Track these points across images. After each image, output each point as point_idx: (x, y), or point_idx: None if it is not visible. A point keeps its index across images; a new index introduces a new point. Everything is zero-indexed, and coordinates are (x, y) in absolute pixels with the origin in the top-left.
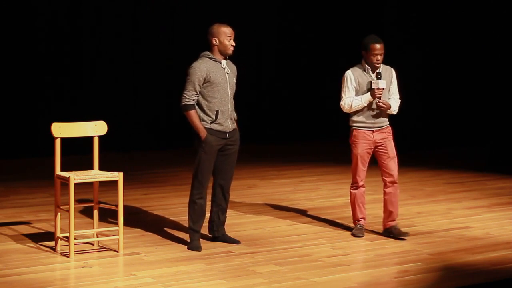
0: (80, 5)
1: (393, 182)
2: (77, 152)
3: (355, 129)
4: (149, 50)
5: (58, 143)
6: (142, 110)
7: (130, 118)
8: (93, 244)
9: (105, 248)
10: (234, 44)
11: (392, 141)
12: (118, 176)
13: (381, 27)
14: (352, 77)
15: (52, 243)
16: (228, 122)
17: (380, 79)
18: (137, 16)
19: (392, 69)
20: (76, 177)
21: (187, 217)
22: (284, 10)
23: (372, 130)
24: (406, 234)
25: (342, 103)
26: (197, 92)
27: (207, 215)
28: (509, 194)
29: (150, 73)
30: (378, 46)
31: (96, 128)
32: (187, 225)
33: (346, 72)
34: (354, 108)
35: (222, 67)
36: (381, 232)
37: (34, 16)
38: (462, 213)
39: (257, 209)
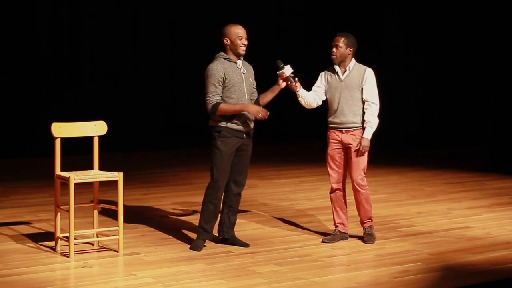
0: (80, 5)
1: (354, 189)
2: (77, 152)
3: (328, 129)
4: (149, 50)
5: (58, 143)
6: (142, 110)
7: (130, 118)
8: (93, 244)
9: (105, 248)
10: (245, 43)
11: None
12: (118, 176)
13: (381, 28)
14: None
15: (52, 243)
16: (246, 122)
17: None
18: (137, 16)
19: (367, 69)
20: (76, 177)
21: (186, 217)
22: (285, 10)
23: (341, 131)
24: (370, 241)
25: None
26: (218, 93)
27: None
28: (509, 194)
29: (150, 73)
30: (335, 38)
31: (96, 128)
32: (187, 225)
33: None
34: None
35: (238, 67)
36: (379, 232)
37: (34, 16)
38: (462, 213)
39: (257, 209)
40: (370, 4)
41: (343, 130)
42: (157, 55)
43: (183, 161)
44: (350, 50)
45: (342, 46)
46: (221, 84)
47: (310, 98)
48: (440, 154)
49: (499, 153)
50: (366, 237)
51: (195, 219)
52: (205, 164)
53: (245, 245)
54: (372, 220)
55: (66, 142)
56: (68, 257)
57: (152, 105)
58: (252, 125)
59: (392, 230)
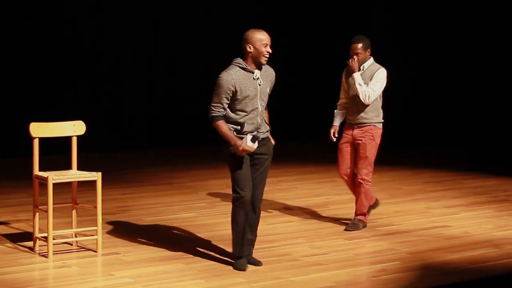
0: (63, 5)
1: (356, 182)
2: (57, 152)
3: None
4: (132, 50)
5: (36, 143)
6: (122, 110)
7: (110, 118)
8: (71, 244)
9: (84, 248)
10: (270, 51)
11: (367, 142)
12: (96, 176)
13: (368, 27)
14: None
15: (30, 243)
16: (254, 132)
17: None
18: (125, 18)
19: (380, 69)
20: (54, 177)
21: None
22: (279, 11)
23: (353, 127)
24: (350, 228)
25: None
26: (223, 105)
27: None
28: (487, 193)
29: (132, 73)
30: (352, 46)
31: (74, 128)
32: (166, 224)
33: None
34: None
35: (254, 78)
36: (358, 232)
37: (22, 16)
38: (441, 212)
39: None
40: (358, 4)
41: (355, 126)
42: (139, 56)
43: (162, 161)
44: (369, 52)
45: (361, 52)
46: (229, 97)
47: (341, 117)
48: (419, 153)
49: (480, 154)
50: (350, 225)
51: (173, 219)
52: (184, 164)
53: (258, 263)
54: (365, 217)
55: (46, 142)
56: (46, 257)
57: (132, 105)
58: (263, 135)
59: (371, 229)
